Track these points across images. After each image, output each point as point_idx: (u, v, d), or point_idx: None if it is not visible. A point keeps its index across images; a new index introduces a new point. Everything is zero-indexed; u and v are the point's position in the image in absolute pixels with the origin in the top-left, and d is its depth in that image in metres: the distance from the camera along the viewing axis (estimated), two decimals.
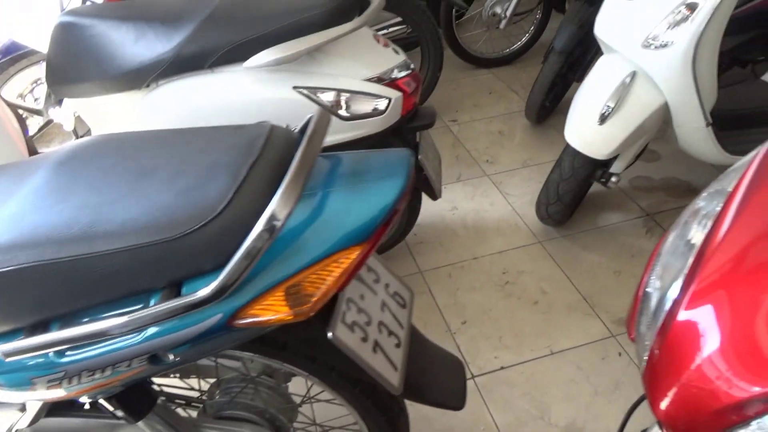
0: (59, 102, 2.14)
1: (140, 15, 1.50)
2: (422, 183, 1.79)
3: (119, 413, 0.96)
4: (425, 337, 1.15)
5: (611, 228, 2.25)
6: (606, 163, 1.98)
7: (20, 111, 2.60)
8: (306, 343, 0.97)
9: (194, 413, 1.26)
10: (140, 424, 1.00)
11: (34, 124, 2.88)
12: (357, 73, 1.53)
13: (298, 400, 1.26)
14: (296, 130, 0.91)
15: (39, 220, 0.76)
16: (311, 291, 0.78)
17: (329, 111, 1.52)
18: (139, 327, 0.76)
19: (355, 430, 1.21)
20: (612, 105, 1.78)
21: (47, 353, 0.81)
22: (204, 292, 0.72)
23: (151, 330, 0.78)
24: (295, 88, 1.48)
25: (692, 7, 1.63)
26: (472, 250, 2.19)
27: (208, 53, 1.44)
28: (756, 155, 0.86)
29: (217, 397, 1.23)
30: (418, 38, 2.74)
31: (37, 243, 0.74)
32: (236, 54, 1.43)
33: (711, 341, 0.80)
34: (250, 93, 1.48)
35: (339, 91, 1.51)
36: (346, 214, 0.77)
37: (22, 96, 2.75)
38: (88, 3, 2.16)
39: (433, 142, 1.97)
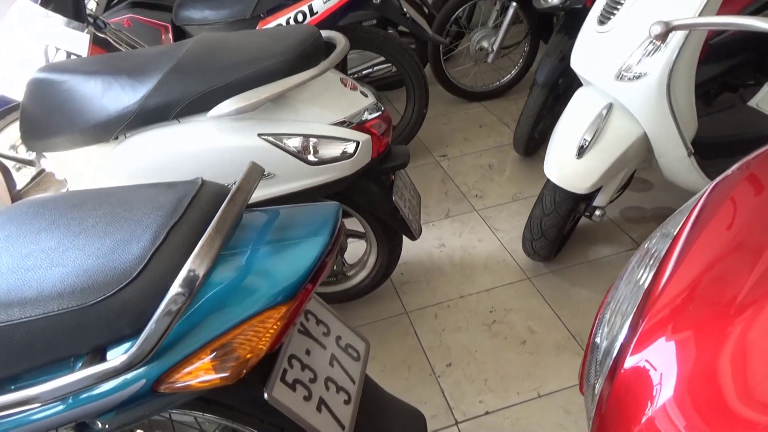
0: None
1: (109, 69, 1.52)
2: (400, 224, 1.77)
3: None
4: (383, 389, 1.11)
5: (602, 261, 2.19)
6: (589, 197, 1.95)
7: (13, 162, 2.64)
8: (251, 403, 0.93)
9: None
10: None
11: (28, 174, 2.91)
12: (323, 118, 1.53)
13: None
14: (231, 185, 0.89)
15: None
16: (239, 353, 0.75)
17: (297, 156, 1.52)
18: (59, 396, 0.73)
19: None
20: (589, 138, 1.76)
21: None
22: (120, 359, 0.69)
23: (74, 397, 0.76)
24: (260, 135, 1.48)
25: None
26: (459, 289, 2.15)
27: (173, 104, 1.45)
28: (701, 196, 0.83)
29: None
30: (402, 77, 2.76)
31: None
32: (200, 104, 1.44)
33: (663, 388, 0.74)
34: (215, 142, 1.48)
35: (305, 136, 1.51)
36: (271, 273, 0.75)
37: (14, 147, 2.80)
38: (72, 57, 2.21)
39: (411, 182, 1.95)
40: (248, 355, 0.75)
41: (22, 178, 2.74)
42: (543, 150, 2.90)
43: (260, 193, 1.54)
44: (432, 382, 1.81)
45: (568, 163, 1.82)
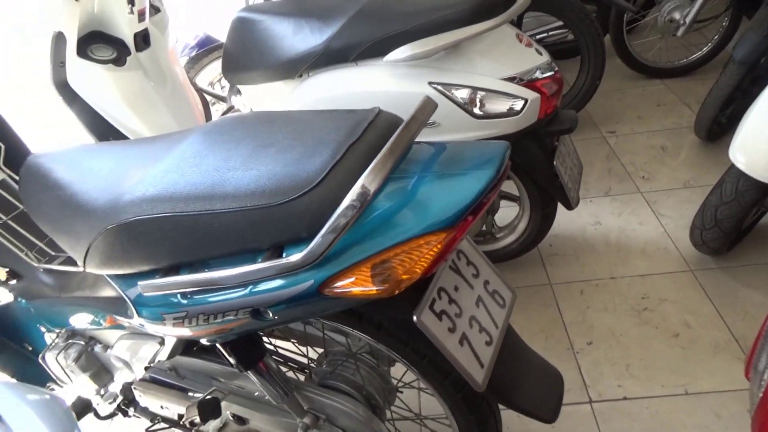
0: (239, 91, 2.43)
1: (301, 11, 1.64)
2: (557, 190, 1.72)
3: (232, 360, 1.07)
4: (524, 343, 1.11)
5: None
6: None
7: (208, 96, 2.97)
8: (398, 326, 0.99)
9: (303, 378, 1.35)
10: (250, 374, 1.11)
11: (219, 109, 3.27)
12: (494, 72, 1.52)
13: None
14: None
15: (177, 178, 0.89)
16: (396, 270, 0.80)
17: (463, 108, 1.53)
18: (242, 282, 0.84)
19: (447, 425, 1.21)
20: None
21: (174, 294, 0.94)
22: (294, 257, 0.77)
23: (254, 287, 0.86)
24: (430, 83, 1.51)
25: None
26: (611, 270, 2.05)
27: (353, 47, 1.53)
28: None
29: (323, 367, 1.30)
30: (578, 44, 2.62)
31: (172, 198, 0.86)
32: (378, 49, 1.50)
33: None
34: (388, 86, 1.54)
35: (474, 88, 1.51)
36: (434, 200, 0.78)
37: (212, 84, 3.15)
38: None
39: (575, 149, 1.87)
40: (404, 275, 0.80)
41: (214, 113, 3.08)
42: (728, 136, 2.61)
43: (422, 140, 1.58)
44: (569, 356, 1.76)
45: (760, 148, 1.62)
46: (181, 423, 1.36)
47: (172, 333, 1.00)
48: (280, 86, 1.73)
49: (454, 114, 1.54)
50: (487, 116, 1.54)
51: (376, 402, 1.23)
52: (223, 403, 1.26)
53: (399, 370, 1.44)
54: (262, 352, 1.10)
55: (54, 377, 1.46)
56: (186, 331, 0.98)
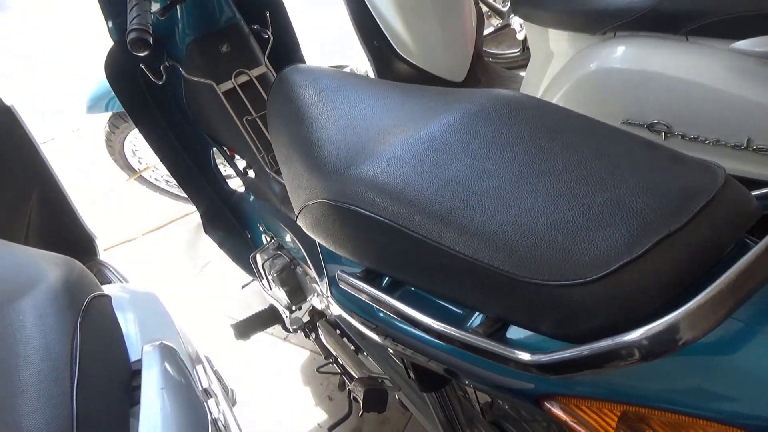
0: None
1: None
2: None
3: (411, 375, 0.94)
4: None
5: None
6: None
7: (484, 8, 2.68)
8: None
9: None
10: (425, 395, 0.97)
11: (491, 25, 2.97)
12: None
13: None
14: (755, 193, 0.59)
15: (412, 177, 0.69)
16: None
17: None
18: (450, 338, 0.65)
19: None
20: None
21: (370, 303, 0.79)
22: (523, 356, 0.55)
23: (459, 350, 0.67)
24: None
25: None
26: None
27: (691, 17, 1.11)
28: None
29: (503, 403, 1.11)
30: None
31: (398, 200, 0.67)
32: (725, 28, 1.07)
33: None
34: (722, 82, 1.11)
35: None
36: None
37: None
38: None
39: None
40: None
41: (487, 28, 2.79)
42: None
43: (742, 167, 1.16)
44: None
45: None
46: (348, 387, 1.30)
47: (358, 327, 0.88)
48: (570, 38, 1.40)
49: None
50: None
51: None
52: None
53: None
54: (446, 380, 0.94)
55: (258, 278, 1.51)
56: (370, 336, 0.85)
